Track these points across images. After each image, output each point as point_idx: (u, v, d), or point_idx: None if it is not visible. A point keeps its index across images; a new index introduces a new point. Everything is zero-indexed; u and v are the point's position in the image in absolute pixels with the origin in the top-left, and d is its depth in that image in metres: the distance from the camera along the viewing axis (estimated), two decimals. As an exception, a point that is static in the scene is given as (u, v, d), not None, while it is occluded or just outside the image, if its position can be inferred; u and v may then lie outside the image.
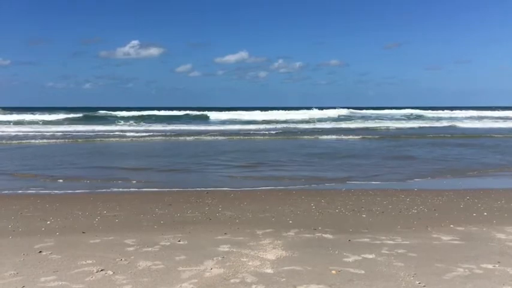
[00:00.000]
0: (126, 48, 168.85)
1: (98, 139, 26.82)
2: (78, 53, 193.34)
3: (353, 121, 50.38)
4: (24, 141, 24.71)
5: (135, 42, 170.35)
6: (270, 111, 65.72)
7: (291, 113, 62.47)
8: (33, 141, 24.87)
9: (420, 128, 39.79)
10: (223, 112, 63.07)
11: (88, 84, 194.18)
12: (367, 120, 53.28)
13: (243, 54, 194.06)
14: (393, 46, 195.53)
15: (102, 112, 61.29)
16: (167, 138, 28.32)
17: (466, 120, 55.26)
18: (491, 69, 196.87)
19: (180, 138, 28.13)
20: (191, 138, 27.83)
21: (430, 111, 76.80)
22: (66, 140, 25.65)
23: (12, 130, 33.48)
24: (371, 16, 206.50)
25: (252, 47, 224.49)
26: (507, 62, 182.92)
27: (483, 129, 37.78)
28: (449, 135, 29.82)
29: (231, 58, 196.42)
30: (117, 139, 27.22)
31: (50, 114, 52.89)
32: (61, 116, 50.48)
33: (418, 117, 63.36)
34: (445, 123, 46.19)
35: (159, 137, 28.42)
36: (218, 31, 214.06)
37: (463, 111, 75.43)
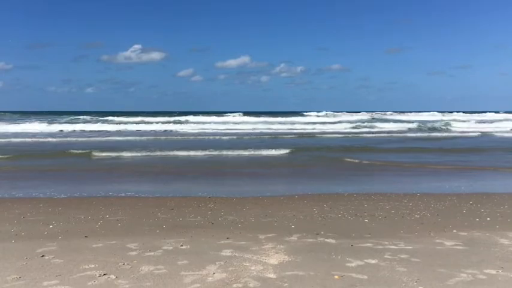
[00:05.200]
0: (128, 53, 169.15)
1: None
2: (80, 57, 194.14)
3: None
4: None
5: (137, 46, 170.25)
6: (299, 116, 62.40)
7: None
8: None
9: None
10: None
11: (90, 89, 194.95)
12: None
13: (244, 59, 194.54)
14: (395, 51, 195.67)
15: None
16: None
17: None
18: (493, 75, 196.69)
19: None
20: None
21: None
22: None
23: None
24: (373, 21, 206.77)
25: (253, 51, 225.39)
26: (509, 68, 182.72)
27: None
28: None
29: (232, 63, 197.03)
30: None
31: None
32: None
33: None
34: None
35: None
36: (220, 36, 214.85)
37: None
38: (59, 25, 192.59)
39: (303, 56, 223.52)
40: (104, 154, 19.67)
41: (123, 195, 10.50)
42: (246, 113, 73.51)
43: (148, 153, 19.94)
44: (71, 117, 56.88)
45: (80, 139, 29.73)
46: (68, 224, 7.68)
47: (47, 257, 5.68)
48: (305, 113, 76.63)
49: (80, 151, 20.32)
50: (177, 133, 38.16)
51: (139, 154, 19.85)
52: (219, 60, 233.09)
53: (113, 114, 63.25)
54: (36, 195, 10.51)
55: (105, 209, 8.83)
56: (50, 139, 29.29)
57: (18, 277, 4.96)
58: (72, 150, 20.54)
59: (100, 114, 68.10)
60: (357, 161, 17.37)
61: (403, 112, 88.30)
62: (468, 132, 39.62)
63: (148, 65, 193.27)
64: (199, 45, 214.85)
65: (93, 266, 5.33)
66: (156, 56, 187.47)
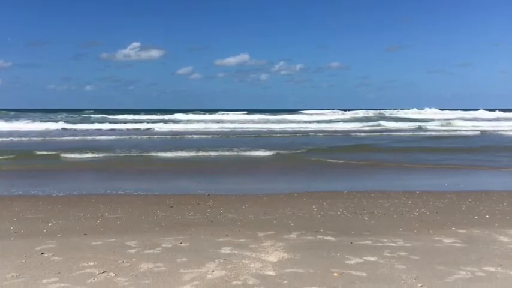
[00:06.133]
0: (127, 51, 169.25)
1: None
2: (79, 55, 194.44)
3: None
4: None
5: (136, 44, 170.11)
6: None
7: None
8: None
9: None
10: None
11: (89, 87, 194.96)
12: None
13: (244, 57, 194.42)
14: (394, 49, 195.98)
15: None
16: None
17: None
18: (493, 73, 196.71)
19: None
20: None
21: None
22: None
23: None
24: (372, 19, 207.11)
25: (252, 49, 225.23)
26: (509, 65, 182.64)
27: None
28: None
29: (231, 60, 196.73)
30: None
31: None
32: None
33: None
34: None
35: None
36: (219, 33, 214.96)
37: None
38: (58, 23, 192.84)
39: (302, 53, 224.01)
40: (72, 155, 17.92)
41: (122, 193, 10.49)
42: (250, 111, 73.82)
43: (134, 154, 18.48)
44: (59, 116, 57.22)
45: (57, 139, 27.47)
46: (67, 222, 7.67)
47: (46, 255, 5.68)
48: (306, 111, 76.90)
49: (47, 152, 18.82)
50: (175, 132, 35.80)
51: (118, 155, 18.29)
52: (218, 58, 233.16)
53: (108, 112, 63.70)
54: (35, 193, 10.50)
55: (105, 207, 8.82)
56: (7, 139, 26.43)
57: (17, 275, 4.96)
58: (38, 152, 18.84)
59: (99, 112, 68.53)
60: (354, 161, 17.36)
61: (402, 109, 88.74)
62: (468, 130, 39.56)
63: (148, 63, 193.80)
64: (198, 43, 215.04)
65: (92, 263, 5.33)
66: (155, 53, 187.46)
